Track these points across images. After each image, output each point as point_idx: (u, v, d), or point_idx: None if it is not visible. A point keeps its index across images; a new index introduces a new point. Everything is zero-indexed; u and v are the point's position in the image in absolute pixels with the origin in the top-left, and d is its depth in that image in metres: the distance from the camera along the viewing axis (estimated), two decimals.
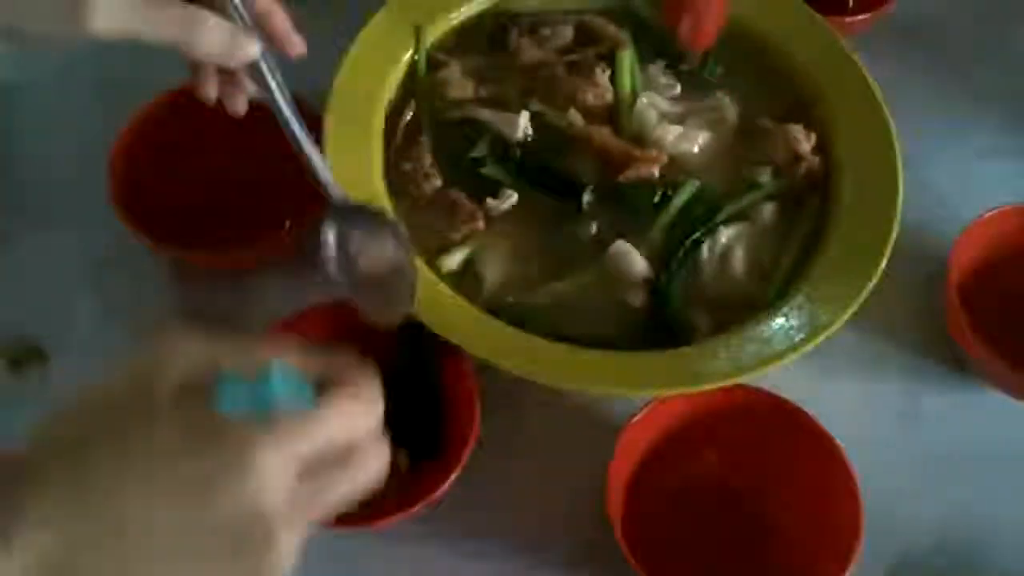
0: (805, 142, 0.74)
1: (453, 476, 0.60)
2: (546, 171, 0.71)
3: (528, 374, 0.61)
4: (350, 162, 0.68)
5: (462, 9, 0.79)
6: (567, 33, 0.79)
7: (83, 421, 0.40)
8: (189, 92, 0.74)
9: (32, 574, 0.36)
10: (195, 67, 0.59)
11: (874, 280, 0.65)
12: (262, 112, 0.74)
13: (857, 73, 0.76)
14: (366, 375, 0.44)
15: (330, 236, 0.60)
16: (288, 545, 0.39)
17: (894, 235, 0.67)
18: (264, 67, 0.57)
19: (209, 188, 0.76)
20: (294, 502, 0.39)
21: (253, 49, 0.55)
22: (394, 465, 0.63)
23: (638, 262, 0.68)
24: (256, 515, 0.38)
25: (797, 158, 0.74)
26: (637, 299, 0.68)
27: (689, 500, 0.66)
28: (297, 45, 0.59)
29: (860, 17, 0.85)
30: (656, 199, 0.70)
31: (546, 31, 0.78)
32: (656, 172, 0.71)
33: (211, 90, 0.60)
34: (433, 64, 0.77)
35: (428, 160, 0.71)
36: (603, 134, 0.73)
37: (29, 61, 0.85)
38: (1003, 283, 0.75)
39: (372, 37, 0.74)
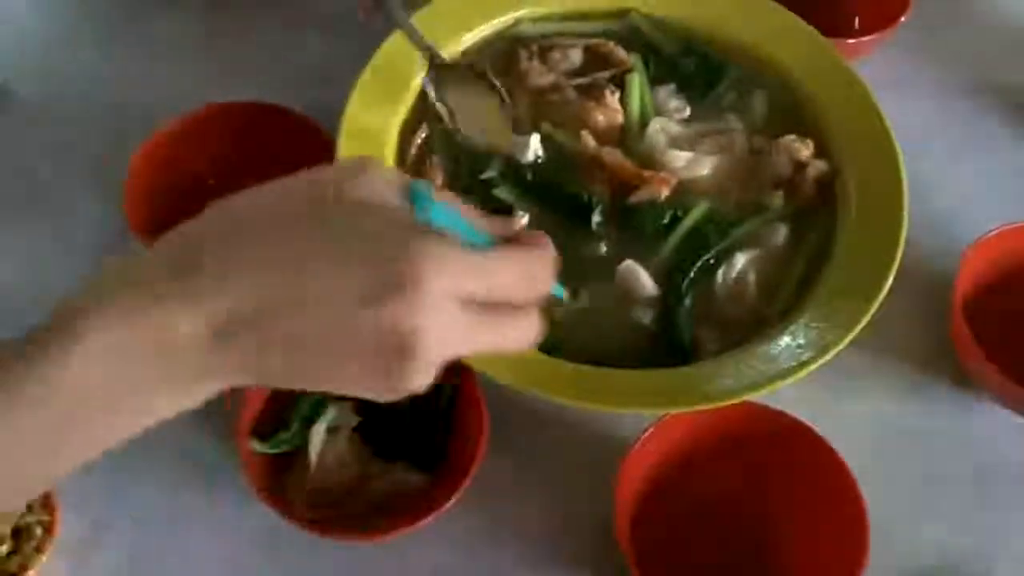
0: (804, 148, 0.75)
1: (459, 492, 0.61)
2: (557, 191, 0.72)
3: (536, 391, 0.61)
4: None
5: (472, 33, 0.80)
6: (576, 57, 0.79)
7: (262, 204, 0.41)
8: (203, 116, 0.76)
9: (220, 319, 0.38)
10: None
11: (880, 299, 0.66)
12: (279, 133, 0.76)
13: (862, 94, 0.77)
14: (546, 248, 0.45)
15: (432, 91, 0.75)
16: (427, 363, 0.39)
17: (900, 254, 0.68)
18: None
19: None
20: (447, 326, 0.39)
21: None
22: (404, 480, 0.65)
23: (647, 281, 0.69)
24: (406, 330, 0.38)
25: (801, 165, 0.74)
26: (646, 318, 0.68)
27: (695, 517, 0.67)
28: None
29: (865, 39, 0.86)
30: (666, 220, 0.71)
31: (555, 55, 0.79)
32: (666, 193, 0.72)
33: None
34: None
35: (440, 180, 0.72)
36: (614, 155, 0.73)
37: (47, 86, 0.86)
38: (1008, 301, 0.76)
39: (385, 59, 0.75)
